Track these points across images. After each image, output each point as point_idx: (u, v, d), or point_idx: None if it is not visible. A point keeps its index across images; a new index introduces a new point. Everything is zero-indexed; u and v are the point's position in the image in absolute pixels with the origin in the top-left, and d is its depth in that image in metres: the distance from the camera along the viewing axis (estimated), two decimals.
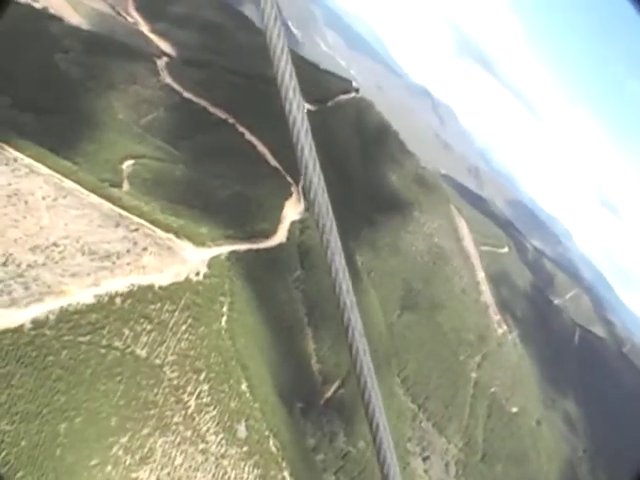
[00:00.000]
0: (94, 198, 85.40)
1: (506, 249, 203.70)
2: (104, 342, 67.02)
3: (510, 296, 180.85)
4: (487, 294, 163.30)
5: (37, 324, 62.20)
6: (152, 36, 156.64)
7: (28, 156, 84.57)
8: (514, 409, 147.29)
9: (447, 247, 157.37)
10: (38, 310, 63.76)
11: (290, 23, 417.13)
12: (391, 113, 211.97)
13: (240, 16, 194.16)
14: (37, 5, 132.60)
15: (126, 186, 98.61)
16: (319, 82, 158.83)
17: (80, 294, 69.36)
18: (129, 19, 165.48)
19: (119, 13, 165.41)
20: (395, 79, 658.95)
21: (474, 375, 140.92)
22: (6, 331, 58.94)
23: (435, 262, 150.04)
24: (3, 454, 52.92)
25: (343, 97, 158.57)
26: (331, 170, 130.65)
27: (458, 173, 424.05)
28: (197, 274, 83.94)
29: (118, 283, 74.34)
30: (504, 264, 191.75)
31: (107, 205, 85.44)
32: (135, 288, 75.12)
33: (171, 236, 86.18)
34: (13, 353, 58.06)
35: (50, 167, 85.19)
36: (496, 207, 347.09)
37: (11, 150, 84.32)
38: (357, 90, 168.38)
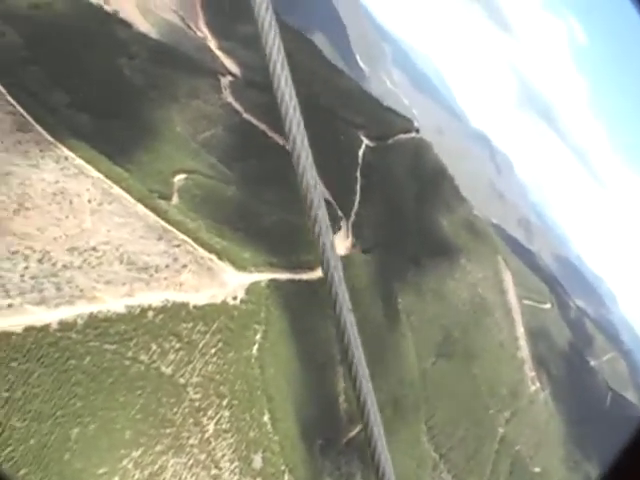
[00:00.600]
0: (140, 208, 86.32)
1: (548, 305, 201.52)
2: (130, 354, 67.52)
3: (547, 353, 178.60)
4: (525, 349, 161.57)
5: (64, 326, 62.93)
6: (219, 53, 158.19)
7: (79, 157, 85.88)
8: (537, 469, 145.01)
9: (490, 298, 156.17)
10: (67, 312, 64.52)
11: (358, 57, 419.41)
12: (449, 156, 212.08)
13: (309, 44, 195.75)
14: (108, 8, 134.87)
15: (175, 200, 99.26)
16: (381, 119, 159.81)
17: (112, 302, 70.08)
18: (198, 33, 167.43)
19: (189, 26, 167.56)
20: (456, 122, 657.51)
21: (501, 430, 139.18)
22: (31, 328, 59.76)
23: (476, 312, 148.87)
24: (8, 450, 53.46)
25: (403, 136, 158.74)
26: (384, 208, 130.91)
27: (509, 223, 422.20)
28: (234, 298, 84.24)
29: (153, 297, 74.97)
30: (545, 320, 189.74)
31: (152, 217, 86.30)
32: (169, 304, 75.64)
33: (213, 257, 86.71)
34: (35, 351, 58.80)
35: (101, 171, 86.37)
36: (543, 261, 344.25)
37: (63, 148, 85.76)
38: (418, 130, 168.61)
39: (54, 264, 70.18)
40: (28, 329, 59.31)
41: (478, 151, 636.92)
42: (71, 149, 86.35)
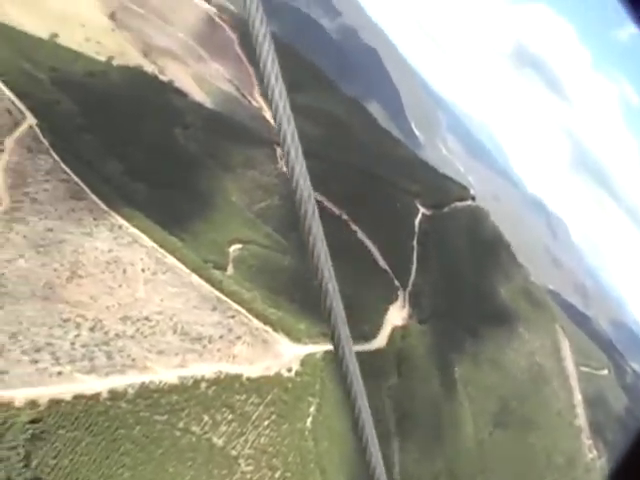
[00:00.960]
0: (195, 278, 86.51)
1: (606, 371, 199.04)
2: (181, 425, 67.00)
3: (604, 420, 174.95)
4: (582, 417, 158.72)
5: (114, 395, 62.73)
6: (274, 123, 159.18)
7: (134, 226, 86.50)
8: None
9: (548, 367, 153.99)
10: (118, 382, 64.36)
11: (413, 124, 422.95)
12: (505, 223, 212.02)
13: (364, 112, 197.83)
14: (163, 77, 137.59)
15: (230, 270, 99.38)
16: (437, 187, 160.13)
17: (164, 373, 69.86)
18: (253, 103, 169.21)
19: (244, 95, 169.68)
20: (511, 188, 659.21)
21: None
22: (81, 397, 59.58)
23: (534, 381, 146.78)
24: None
25: (459, 204, 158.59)
26: (441, 277, 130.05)
27: (566, 289, 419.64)
28: (289, 370, 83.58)
29: (206, 368, 74.72)
30: (602, 387, 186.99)
31: (207, 287, 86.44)
32: (222, 376, 75.32)
33: (268, 328, 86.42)
34: (84, 419, 58.48)
35: (155, 240, 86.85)
36: (600, 326, 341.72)
37: (117, 217, 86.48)
38: (474, 198, 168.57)
39: (106, 333, 70.30)
40: (77, 397, 59.13)
41: (534, 217, 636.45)
42: (125, 218, 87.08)
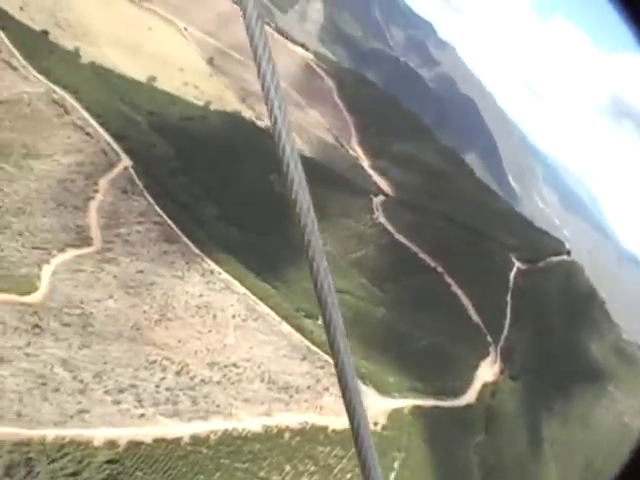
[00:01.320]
0: (285, 326, 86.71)
1: None
2: (262, 474, 66.50)
3: None
4: None
5: (196, 440, 62.72)
6: (372, 172, 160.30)
7: (226, 271, 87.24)
8: None
9: (636, 427, 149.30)
10: (200, 427, 64.41)
11: (510, 177, 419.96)
12: (599, 279, 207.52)
13: (461, 163, 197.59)
14: (260, 123, 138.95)
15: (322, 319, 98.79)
16: (533, 241, 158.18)
17: (249, 421, 69.74)
18: (351, 152, 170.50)
19: (342, 145, 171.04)
20: (606, 243, 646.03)
21: None
22: (162, 440, 59.67)
23: (621, 442, 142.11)
24: None
25: (555, 258, 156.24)
26: (533, 332, 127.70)
27: None
28: (375, 424, 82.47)
29: (291, 418, 74.42)
30: None
31: (297, 336, 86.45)
32: (308, 426, 74.83)
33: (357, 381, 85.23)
34: (163, 463, 58.45)
35: (247, 287, 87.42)
36: None
37: (210, 262, 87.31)
38: (569, 252, 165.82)
39: (192, 377, 70.55)
40: (158, 440, 59.23)
41: (630, 272, 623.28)
42: (218, 263, 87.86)
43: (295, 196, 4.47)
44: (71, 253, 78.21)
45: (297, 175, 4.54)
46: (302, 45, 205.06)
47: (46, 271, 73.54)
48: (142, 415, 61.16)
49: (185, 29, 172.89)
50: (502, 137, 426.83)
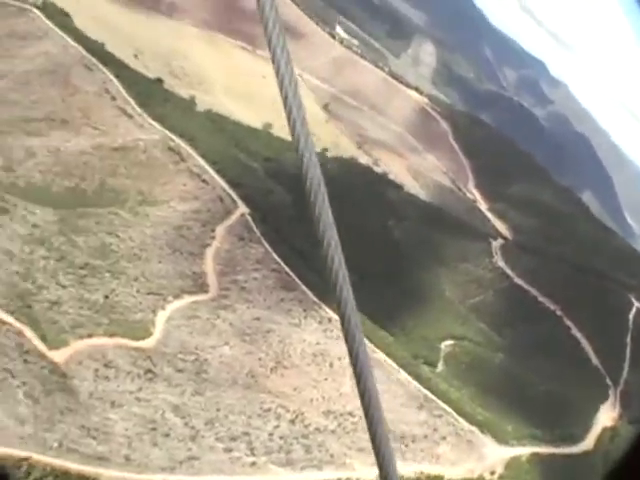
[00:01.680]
0: (403, 374, 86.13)
1: None
2: None
3: None
4: None
5: None
6: (489, 215, 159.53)
7: None
8: None
9: None
10: (313, 477, 64.30)
11: (627, 214, 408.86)
12: None
13: (578, 202, 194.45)
14: (377, 169, 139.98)
15: (440, 367, 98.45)
16: None
17: (363, 471, 69.33)
18: (468, 195, 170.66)
19: (459, 188, 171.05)
20: None
21: None
22: None
23: None
24: None
25: None
26: None
27: None
28: (492, 473, 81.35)
29: (406, 468, 73.75)
30: None
31: (415, 384, 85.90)
32: (423, 477, 74.14)
33: (474, 429, 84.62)
34: None
35: (365, 334, 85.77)
36: None
37: (327, 310, 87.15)
38: None
39: (307, 426, 70.49)
40: None
41: None
42: (336, 311, 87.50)
43: (305, 172, 4.78)
44: (187, 299, 79.21)
45: (307, 151, 4.77)
46: (416, 89, 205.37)
47: (161, 317, 74.69)
48: (253, 463, 61.35)
49: (300, 75, 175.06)
50: (617, 173, 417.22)
